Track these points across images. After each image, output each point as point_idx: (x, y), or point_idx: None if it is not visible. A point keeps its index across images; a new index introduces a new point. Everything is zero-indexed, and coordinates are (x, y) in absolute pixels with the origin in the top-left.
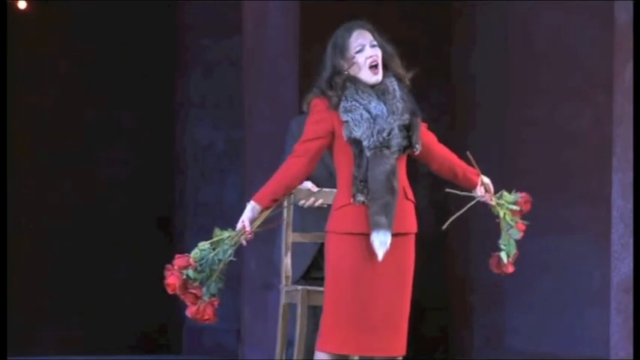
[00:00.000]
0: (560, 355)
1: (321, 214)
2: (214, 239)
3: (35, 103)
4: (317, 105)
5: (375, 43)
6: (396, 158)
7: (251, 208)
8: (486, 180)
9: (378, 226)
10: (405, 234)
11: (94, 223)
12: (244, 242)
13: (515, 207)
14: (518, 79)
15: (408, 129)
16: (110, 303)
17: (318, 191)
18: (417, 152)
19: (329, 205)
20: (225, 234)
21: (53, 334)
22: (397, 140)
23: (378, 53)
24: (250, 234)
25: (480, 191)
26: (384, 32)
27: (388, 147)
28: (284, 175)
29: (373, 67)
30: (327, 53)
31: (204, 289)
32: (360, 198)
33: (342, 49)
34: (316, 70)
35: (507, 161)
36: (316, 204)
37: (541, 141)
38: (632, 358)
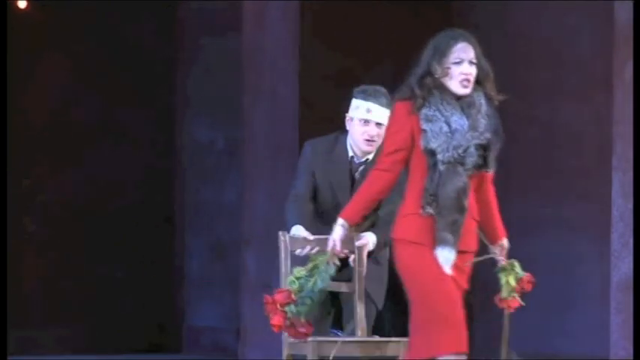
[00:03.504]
0: (559, 355)
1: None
2: (310, 265)
3: (34, 103)
4: (398, 110)
5: (474, 61)
6: (468, 176)
7: (341, 227)
8: (507, 244)
9: (443, 243)
10: (466, 252)
11: (93, 223)
12: (336, 262)
13: (520, 274)
14: (518, 79)
15: (485, 149)
16: (109, 303)
17: (313, 240)
18: (491, 172)
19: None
20: (320, 258)
21: (52, 334)
22: (472, 159)
23: (473, 72)
24: (341, 253)
25: (497, 250)
26: (385, 32)
27: (462, 164)
28: (371, 190)
29: (465, 80)
30: (425, 52)
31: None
32: (429, 210)
33: (441, 55)
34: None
35: (507, 160)
36: (313, 251)
37: (541, 140)
38: (632, 357)
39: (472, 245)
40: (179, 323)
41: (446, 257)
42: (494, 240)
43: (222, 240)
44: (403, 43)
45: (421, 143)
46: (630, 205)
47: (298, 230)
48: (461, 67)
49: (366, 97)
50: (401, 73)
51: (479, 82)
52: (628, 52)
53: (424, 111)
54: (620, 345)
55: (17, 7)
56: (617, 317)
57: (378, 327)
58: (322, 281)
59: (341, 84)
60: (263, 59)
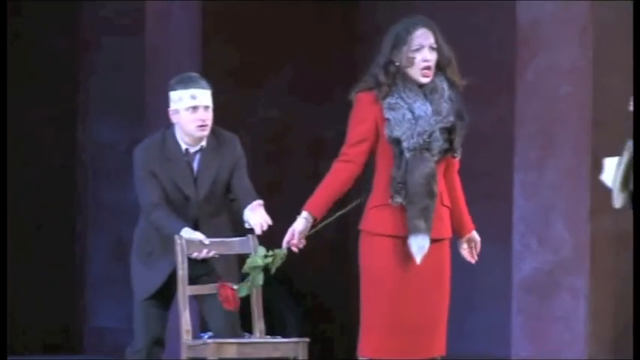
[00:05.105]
0: (461, 355)
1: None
2: (269, 259)
3: None
4: (360, 101)
5: (434, 46)
6: (436, 161)
7: (304, 219)
8: (477, 238)
9: (416, 230)
10: (441, 239)
11: None
12: (295, 250)
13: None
14: None
15: (450, 132)
16: (10, 302)
17: (210, 243)
18: (458, 157)
19: (221, 256)
20: (277, 252)
21: None
22: (438, 143)
23: (434, 58)
24: (300, 244)
25: (464, 244)
26: (286, 31)
27: (429, 149)
28: (334, 182)
29: (425, 69)
30: (386, 40)
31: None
32: (398, 199)
33: (401, 43)
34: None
35: None
36: (210, 255)
37: None
38: (533, 357)
39: (446, 232)
40: (81, 324)
41: (420, 245)
42: (461, 232)
43: (123, 240)
44: (306, 41)
45: (385, 132)
46: (531, 206)
47: (191, 233)
48: (421, 53)
49: (186, 85)
50: (304, 70)
51: (440, 67)
52: (530, 53)
53: (387, 100)
54: (521, 345)
55: None
56: (518, 317)
57: (279, 327)
58: (261, 279)
59: (243, 82)
60: (166, 59)
